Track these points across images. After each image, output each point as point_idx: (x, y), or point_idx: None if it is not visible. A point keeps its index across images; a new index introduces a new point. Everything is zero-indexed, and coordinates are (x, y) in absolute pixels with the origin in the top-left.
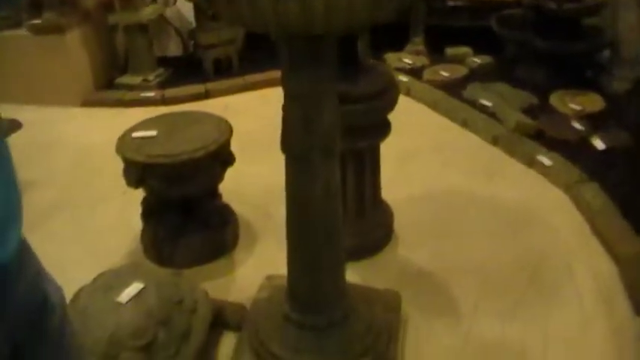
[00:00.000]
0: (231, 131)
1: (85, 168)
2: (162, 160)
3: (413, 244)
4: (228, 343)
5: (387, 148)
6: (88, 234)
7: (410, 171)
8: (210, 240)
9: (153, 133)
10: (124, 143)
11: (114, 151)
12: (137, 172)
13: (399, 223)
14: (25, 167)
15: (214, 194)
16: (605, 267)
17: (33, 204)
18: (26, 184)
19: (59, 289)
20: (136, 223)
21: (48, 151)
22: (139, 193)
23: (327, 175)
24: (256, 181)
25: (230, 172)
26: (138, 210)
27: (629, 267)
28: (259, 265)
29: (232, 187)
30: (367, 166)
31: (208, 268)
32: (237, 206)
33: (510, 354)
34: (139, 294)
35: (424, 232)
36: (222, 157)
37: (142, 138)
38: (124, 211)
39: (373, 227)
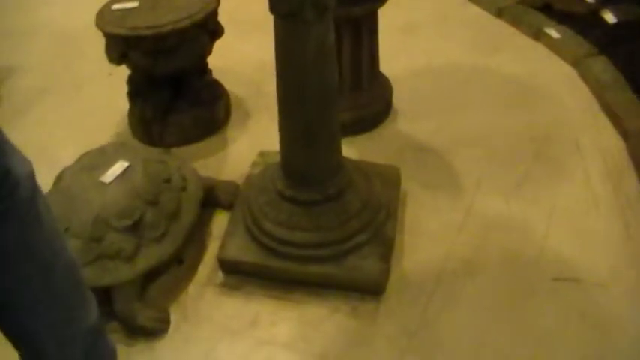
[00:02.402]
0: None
1: (69, 51)
2: (145, 32)
3: (413, 118)
4: (219, 222)
5: (387, 20)
6: (74, 117)
7: (410, 44)
8: (200, 117)
9: (134, 4)
10: (104, 17)
11: (98, 32)
12: (119, 47)
13: (399, 97)
14: (7, 54)
15: (203, 69)
16: (612, 143)
17: (18, 90)
18: (10, 71)
19: (26, 163)
20: (123, 105)
21: (30, 36)
22: (125, 74)
23: (320, 35)
24: (247, 58)
25: (220, 49)
26: (124, 91)
27: (637, 143)
28: (252, 142)
29: (222, 64)
30: (364, 35)
31: (199, 147)
32: (228, 83)
33: (513, 230)
34: (125, 173)
35: (425, 106)
36: (209, 27)
37: (123, 10)
38: (111, 93)
39: (371, 100)
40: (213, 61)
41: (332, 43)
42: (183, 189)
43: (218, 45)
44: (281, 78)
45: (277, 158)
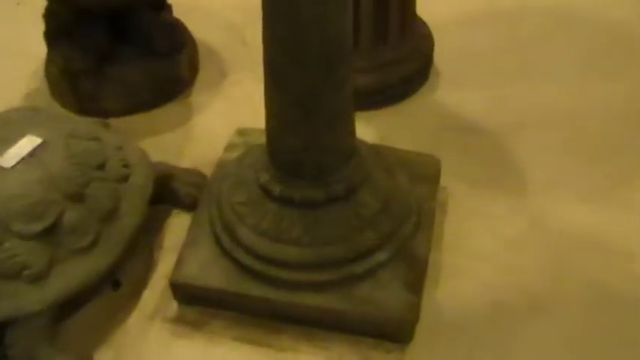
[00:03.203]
0: None
1: None
2: None
3: (461, 85)
4: (176, 228)
5: None
6: None
7: None
8: (153, 73)
9: None
10: None
11: None
12: None
13: (442, 54)
14: None
15: (159, 3)
16: None
17: None
18: None
19: None
20: (38, 49)
21: None
22: (42, 4)
23: None
24: None
25: None
26: (40, 29)
27: None
28: (227, 114)
29: None
30: None
31: (150, 117)
32: (195, 27)
33: (598, 249)
34: (36, 152)
35: (479, 68)
36: None
37: None
38: (19, 31)
39: (401, 59)
40: None
41: None
42: (125, 179)
43: None
44: (270, 24)
45: (262, 139)
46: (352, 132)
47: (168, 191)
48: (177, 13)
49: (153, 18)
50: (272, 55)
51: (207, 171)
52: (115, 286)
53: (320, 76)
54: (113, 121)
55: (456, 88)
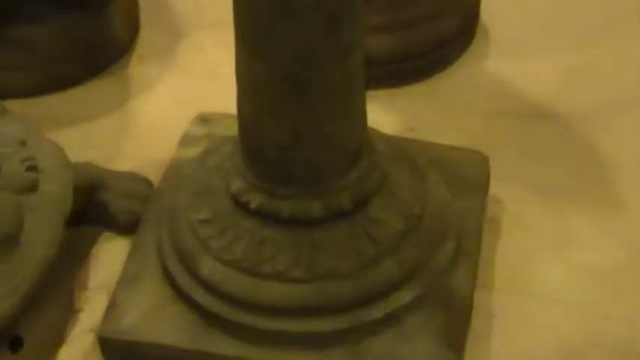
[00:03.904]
0: None
1: None
2: None
3: (520, 52)
4: (109, 258)
5: None
6: None
7: None
8: (72, 35)
9: None
10: None
11: None
12: None
13: (492, 6)
14: None
15: None
16: None
17: None
18: None
19: None
20: None
21: None
22: None
23: None
24: None
25: None
26: None
27: None
28: (181, 92)
29: None
30: None
31: (70, 99)
32: None
33: None
34: None
35: (545, 28)
36: None
37: None
38: None
39: (434, 12)
40: None
41: None
42: (31, 188)
43: None
44: None
45: (234, 129)
46: (363, 119)
47: (96, 206)
48: None
49: None
50: (248, 7)
51: (154, 176)
52: (14, 347)
53: (318, 38)
54: (13, 104)
55: (513, 56)
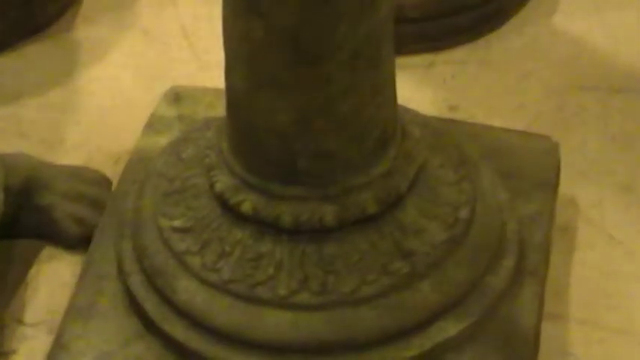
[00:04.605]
0: None
1: None
2: None
3: (593, 5)
4: (52, 280)
5: None
6: None
7: None
8: None
9: None
10: None
11: None
12: None
13: None
14: None
15: None
16: None
17: None
18: None
19: None
20: None
21: None
22: None
23: None
24: None
25: None
26: None
27: None
28: (145, 60)
29: None
30: None
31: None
32: None
33: None
34: None
35: None
36: None
37: None
38: None
39: None
40: None
41: None
42: None
43: None
44: None
45: (217, 108)
46: (391, 94)
47: (34, 212)
48: None
49: None
50: None
51: (111, 171)
52: None
53: None
54: None
55: (587, 8)
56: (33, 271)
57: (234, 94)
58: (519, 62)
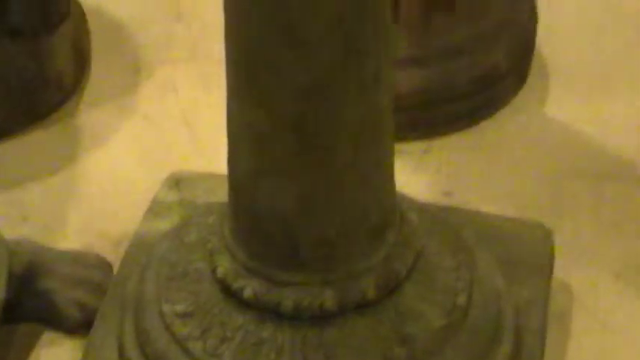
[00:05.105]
0: None
1: None
2: None
3: (592, 94)
4: None
5: None
6: None
7: None
8: (5, 66)
9: None
10: None
11: None
12: None
13: (552, 35)
14: None
15: None
16: None
17: None
18: None
19: None
20: None
21: None
22: None
23: None
24: None
25: None
26: None
27: None
28: (147, 147)
29: None
30: None
31: (2, 154)
32: None
33: None
34: None
35: (625, 63)
36: None
37: None
38: None
39: (477, 42)
40: None
41: None
42: None
43: None
44: None
45: (219, 193)
46: (390, 181)
47: (36, 297)
48: None
49: None
50: (245, 34)
51: (113, 256)
52: None
53: (333, 72)
54: None
55: (578, 97)
56: (33, 355)
57: (236, 180)
58: (513, 149)
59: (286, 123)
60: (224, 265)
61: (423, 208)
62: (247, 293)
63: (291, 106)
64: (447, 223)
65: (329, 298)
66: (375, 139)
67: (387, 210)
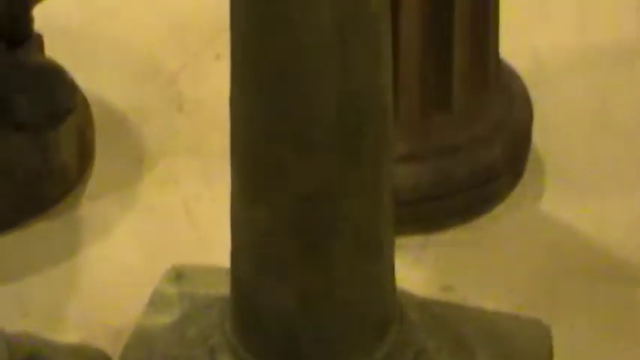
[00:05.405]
0: None
1: None
2: None
3: (589, 192)
4: None
5: None
6: None
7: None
8: (7, 165)
9: None
10: None
11: None
12: None
13: (548, 130)
14: None
15: (14, 32)
16: None
17: None
18: None
19: None
20: None
21: None
22: None
23: None
24: (152, 2)
25: None
26: None
27: None
28: (148, 239)
29: (82, 19)
30: None
31: (4, 247)
32: (92, 76)
33: None
34: None
35: (620, 159)
36: None
37: None
38: None
39: (474, 139)
40: (59, 13)
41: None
42: None
43: None
44: (244, 83)
45: (220, 287)
46: (390, 279)
47: None
48: (58, 49)
49: (4, 60)
50: (250, 137)
51: (112, 349)
52: None
53: (336, 175)
54: None
55: (575, 194)
56: None
57: (238, 277)
58: (510, 245)
59: (289, 224)
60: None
61: (423, 305)
62: None
63: (294, 208)
64: (447, 320)
65: None
66: (376, 238)
67: (388, 307)
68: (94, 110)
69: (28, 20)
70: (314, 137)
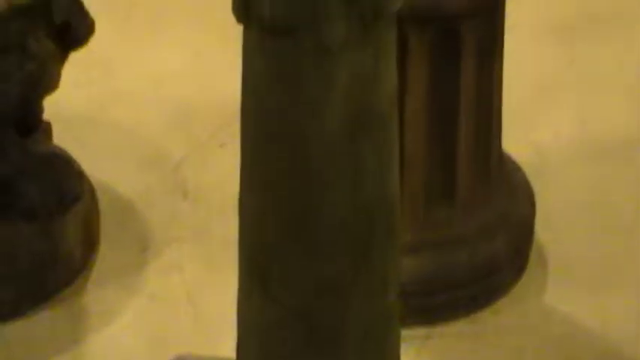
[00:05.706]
0: None
1: None
2: None
3: (594, 286)
4: None
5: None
6: None
7: (569, 82)
8: (12, 253)
9: None
10: None
11: None
12: None
13: (551, 223)
14: None
15: (24, 121)
16: None
17: None
18: None
19: None
20: None
21: None
22: None
23: (363, 80)
24: (161, 99)
25: (86, 71)
26: None
27: None
28: (153, 328)
29: (89, 111)
30: (470, 68)
31: (3, 333)
32: (97, 163)
33: None
34: None
35: (622, 253)
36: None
37: None
38: None
39: (476, 231)
40: (68, 101)
41: (391, 96)
42: None
43: (81, 60)
44: (254, 185)
45: None
46: None
47: None
48: (65, 137)
49: (14, 148)
50: (258, 229)
51: None
52: None
53: (345, 273)
54: None
55: (579, 287)
56: None
57: None
58: (513, 338)
59: (295, 317)
60: None
61: None
62: None
63: (301, 301)
64: None
65: None
66: (384, 332)
67: None
68: (100, 196)
69: (39, 110)
70: (323, 238)
